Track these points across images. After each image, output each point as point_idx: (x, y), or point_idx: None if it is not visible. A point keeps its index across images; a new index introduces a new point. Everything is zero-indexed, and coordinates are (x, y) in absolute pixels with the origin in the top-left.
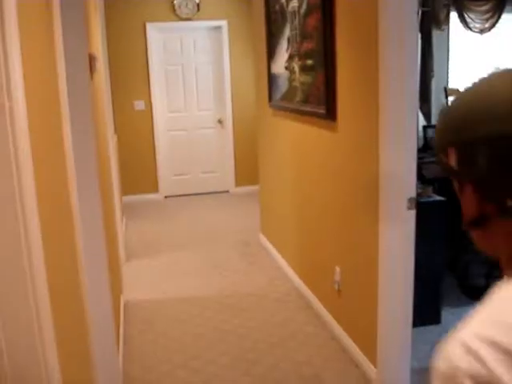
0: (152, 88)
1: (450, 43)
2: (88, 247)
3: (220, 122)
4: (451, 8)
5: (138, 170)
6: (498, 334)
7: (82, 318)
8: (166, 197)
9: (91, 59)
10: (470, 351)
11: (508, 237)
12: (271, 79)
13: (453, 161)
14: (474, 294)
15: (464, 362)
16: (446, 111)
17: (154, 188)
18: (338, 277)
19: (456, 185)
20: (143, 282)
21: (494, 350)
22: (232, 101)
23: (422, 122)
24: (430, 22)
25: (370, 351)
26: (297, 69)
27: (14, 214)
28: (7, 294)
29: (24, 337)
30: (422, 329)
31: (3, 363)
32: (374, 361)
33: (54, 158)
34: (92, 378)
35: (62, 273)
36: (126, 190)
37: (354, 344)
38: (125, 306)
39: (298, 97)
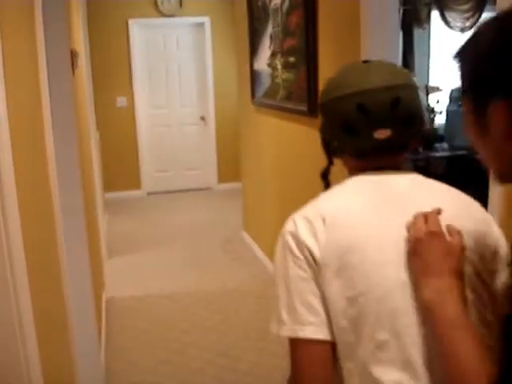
0: (134, 84)
1: (431, 41)
2: (69, 243)
3: (202, 118)
4: (432, 7)
5: (121, 167)
6: (309, 211)
7: (63, 315)
8: (148, 193)
9: (73, 55)
10: (293, 220)
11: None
12: (254, 76)
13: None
14: None
15: (288, 226)
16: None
17: (137, 185)
18: None
19: None
20: (126, 278)
21: (303, 220)
22: (215, 97)
23: None
24: (412, 20)
25: None
26: (279, 66)
27: None
28: None
29: (4, 335)
30: None
31: None
32: None
33: (34, 154)
34: (74, 373)
35: (43, 269)
36: (108, 186)
37: None
38: (107, 302)
39: (281, 94)
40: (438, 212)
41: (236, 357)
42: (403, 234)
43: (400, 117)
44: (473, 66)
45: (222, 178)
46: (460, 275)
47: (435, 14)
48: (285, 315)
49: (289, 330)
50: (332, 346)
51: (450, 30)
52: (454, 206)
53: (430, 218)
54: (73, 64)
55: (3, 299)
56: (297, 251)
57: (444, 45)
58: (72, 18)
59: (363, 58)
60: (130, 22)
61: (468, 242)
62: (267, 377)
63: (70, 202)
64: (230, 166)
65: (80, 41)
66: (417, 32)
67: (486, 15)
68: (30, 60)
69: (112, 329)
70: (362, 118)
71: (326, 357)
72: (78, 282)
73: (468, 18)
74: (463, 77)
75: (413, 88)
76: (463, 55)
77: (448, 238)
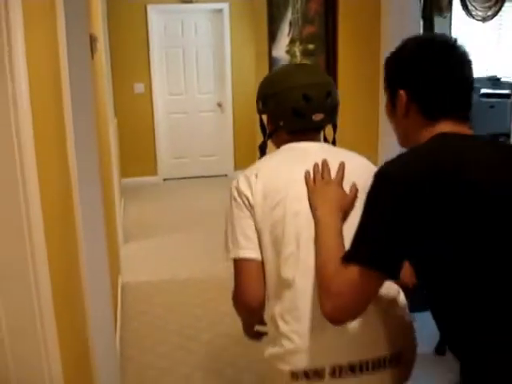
0: (152, 71)
1: (451, 30)
2: (87, 228)
3: (220, 105)
4: None
5: (137, 153)
6: (248, 171)
7: (80, 299)
8: (164, 179)
9: (92, 40)
10: (237, 179)
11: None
12: (272, 63)
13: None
14: None
15: (233, 182)
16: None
17: (153, 171)
18: None
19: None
20: (141, 264)
21: (243, 177)
22: (232, 84)
23: None
24: (433, 8)
25: None
26: (298, 53)
27: (16, 194)
28: (8, 274)
29: (25, 319)
30: (418, 314)
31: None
32: None
33: (55, 140)
34: (89, 356)
35: (61, 253)
36: (125, 172)
37: None
38: (123, 287)
39: None
40: (327, 164)
41: (250, 343)
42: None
43: (329, 105)
44: (392, 68)
45: (239, 165)
46: (342, 210)
47: (456, 3)
48: (230, 245)
49: (233, 254)
50: (262, 264)
51: (471, 19)
52: (350, 164)
53: (324, 168)
54: (92, 48)
55: (24, 283)
56: (238, 199)
57: (465, 33)
58: (91, 3)
59: (383, 46)
60: (149, 7)
61: (360, 191)
62: None
63: (88, 187)
64: (246, 153)
65: (99, 26)
66: (437, 20)
67: (508, 4)
68: (51, 44)
69: (127, 314)
70: (306, 105)
71: (259, 271)
72: (95, 267)
73: (490, 7)
74: (386, 75)
75: (335, 85)
76: (388, 61)
77: (337, 185)
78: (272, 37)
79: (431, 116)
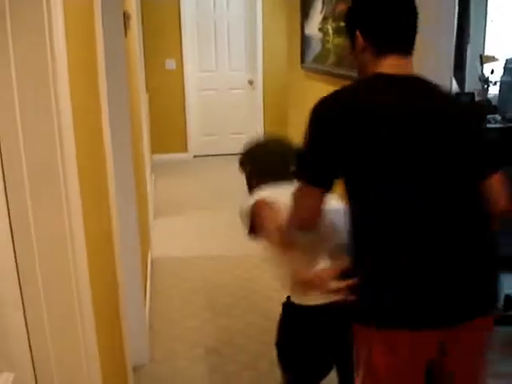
0: (183, 47)
1: (488, 9)
2: (120, 202)
3: (250, 82)
4: None
5: (168, 129)
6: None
7: (113, 272)
8: (194, 156)
9: (125, 17)
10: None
11: None
12: (304, 40)
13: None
14: (501, 264)
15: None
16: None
17: (184, 147)
18: None
19: None
20: (171, 239)
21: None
22: (263, 61)
23: (455, 88)
24: None
25: None
26: (331, 31)
27: (55, 168)
28: (49, 247)
29: (63, 292)
30: None
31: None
32: None
33: (90, 115)
34: (120, 328)
35: (95, 227)
36: (155, 148)
37: None
38: (152, 262)
39: (331, 59)
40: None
41: (277, 319)
42: None
43: None
44: (350, 14)
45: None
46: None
47: None
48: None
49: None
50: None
51: None
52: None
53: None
54: (125, 26)
55: (63, 257)
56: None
57: (501, 14)
58: None
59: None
60: None
61: None
62: None
63: (121, 162)
64: (276, 131)
65: (132, 2)
66: (473, 0)
67: None
68: (88, 21)
69: (156, 288)
70: None
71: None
72: (126, 241)
73: None
74: (346, 21)
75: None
76: (348, 9)
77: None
78: (304, 14)
79: (379, 52)
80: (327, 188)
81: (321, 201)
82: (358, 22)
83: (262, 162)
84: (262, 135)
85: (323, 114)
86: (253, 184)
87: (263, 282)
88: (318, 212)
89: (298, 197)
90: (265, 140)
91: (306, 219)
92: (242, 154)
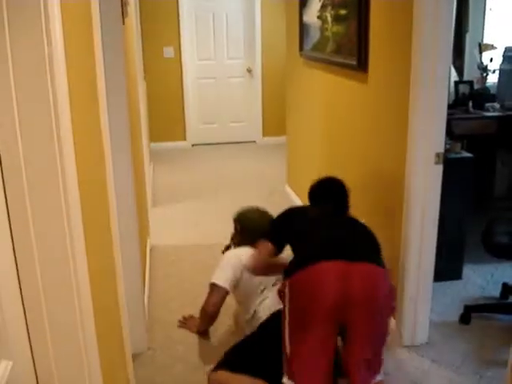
0: (182, 35)
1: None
2: (118, 190)
3: (249, 70)
4: None
5: (166, 118)
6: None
7: (111, 260)
8: (193, 145)
9: (123, 4)
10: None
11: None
12: (303, 28)
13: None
14: (497, 251)
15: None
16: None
17: (182, 136)
18: None
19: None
20: (169, 227)
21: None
22: (262, 49)
23: (454, 77)
24: None
25: None
26: (329, 18)
27: (53, 157)
28: (46, 235)
29: (62, 282)
30: (442, 284)
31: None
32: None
33: (88, 102)
34: (119, 316)
35: (94, 213)
36: (154, 137)
37: None
38: (151, 250)
39: (330, 47)
40: None
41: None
42: None
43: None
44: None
45: (267, 131)
46: None
47: None
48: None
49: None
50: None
51: None
52: None
53: None
54: (123, 13)
55: (60, 245)
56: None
57: (500, 2)
58: None
59: (416, 12)
60: None
61: None
62: None
63: (119, 150)
64: (275, 119)
65: None
66: None
67: None
68: (84, 8)
69: (155, 276)
70: None
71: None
72: (125, 230)
73: None
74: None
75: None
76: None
77: None
78: (303, 1)
79: None
80: (277, 246)
81: (271, 251)
82: None
83: (248, 226)
84: (255, 207)
85: (282, 215)
86: (235, 237)
87: None
88: (269, 255)
89: (260, 244)
90: (257, 210)
91: (261, 259)
92: (238, 214)
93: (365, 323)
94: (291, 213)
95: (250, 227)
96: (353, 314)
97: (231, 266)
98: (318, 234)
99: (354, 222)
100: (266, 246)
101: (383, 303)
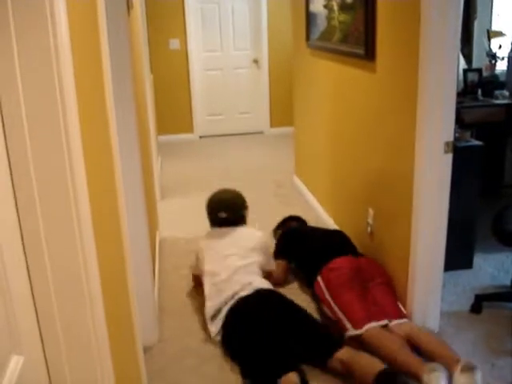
0: (187, 26)
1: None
2: (126, 184)
3: (256, 61)
4: None
5: (173, 110)
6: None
7: (121, 254)
8: (200, 137)
9: None
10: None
11: None
12: (309, 18)
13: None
14: (508, 239)
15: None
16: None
17: (189, 128)
18: (370, 219)
19: None
20: (178, 220)
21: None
22: (268, 40)
23: (462, 64)
24: None
25: (401, 293)
26: (336, 7)
27: (60, 153)
28: (55, 229)
29: (72, 276)
30: (453, 273)
31: (49, 286)
32: (403, 302)
33: (94, 95)
34: (130, 308)
35: (102, 204)
36: (161, 129)
37: None
38: (160, 242)
39: (337, 36)
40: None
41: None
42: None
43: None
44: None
45: (274, 122)
46: None
47: None
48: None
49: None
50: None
51: None
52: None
53: None
54: (128, 5)
55: (70, 239)
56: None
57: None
58: None
59: (423, 2)
60: None
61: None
62: None
63: (126, 143)
64: (282, 110)
65: None
66: None
67: None
68: (90, 0)
69: (164, 268)
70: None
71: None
72: (134, 222)
73: None
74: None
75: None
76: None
77: None
78: None
79: None
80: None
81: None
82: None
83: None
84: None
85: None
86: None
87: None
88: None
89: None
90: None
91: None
92: (210, 199)
93: (378, 285)
94: (288, 233)
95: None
96: (369, 285)
97: (196, 258)
98: (316, 240)
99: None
100: (283, 265)
101: (383, 273)
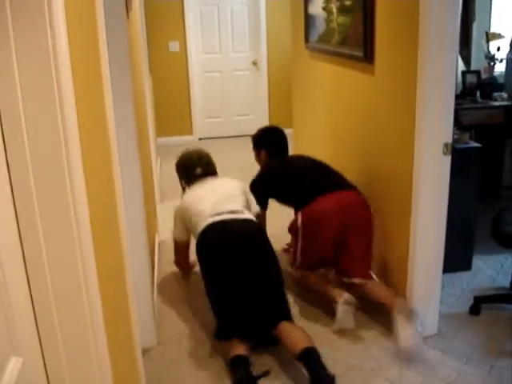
0: (187, 29)
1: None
2: (126, 186)
3: (255, 63)
4: None
5: (173, 112)
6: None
7: (119, 256)
8: (200, 139)
9: None
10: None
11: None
12: (308, 20)
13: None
14: (507, 241)
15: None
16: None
17: (188, 130)
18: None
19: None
20: None
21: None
22: (267, 42)
23: (461, 67)
24: None
25: (400, 294)
26: (334, 9)
27: (59, 155)
28: (54, 232)
29: (70, 277)
30: (452, 275)
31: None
32: None
33: (93, 97)
34: (129, 311)
35: (101, 206)
36: (160, 131)
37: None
38: (159, 245)
39: (335, 39)
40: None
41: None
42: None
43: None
44: (258, 139)
45: (274, 123)
46: None
47: None
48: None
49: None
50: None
51: None
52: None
53: None
54: (127, 7)
55: (69, 243)
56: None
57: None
58: None
59: (422, 2)
60: None
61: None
62: (314, 318)
63: (126, 146)
64: (281, 112)
65: None
66: None
67: None
68: (88, 2)
69: (163, 271)
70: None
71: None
72: (133, 225)
73: None
74: (255, 142)
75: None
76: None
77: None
78: None
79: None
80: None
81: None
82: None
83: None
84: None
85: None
86: (182, 184)
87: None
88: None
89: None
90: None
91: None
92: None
93: (358, 235)
94: (269, 175)
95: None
96: (350, 232)
97: (179, 219)
98: (305, 176)
99: (314, 159)
100: (263, 216)
101: (367, 218)
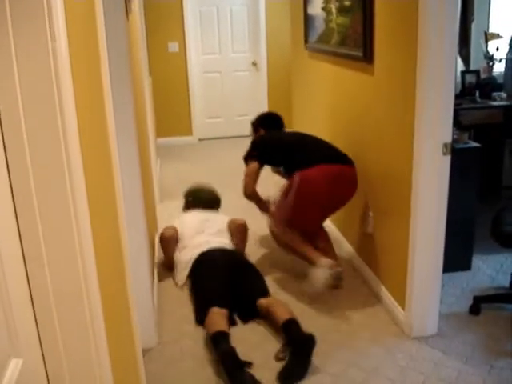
0: (186, 30)
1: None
2: (125, 187)
3: (254, 64)
4: None
5: (172, 113)
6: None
7: (119, 255)
8: (199, 139)
9: (127, 0)
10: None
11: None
12: (308, 20)
13: None
14: (506, 241)
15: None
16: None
17: (188, 130)
18: (370, 222)
19: None
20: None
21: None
22: (267, 43)
23: (460, 66)
24: None
25: (400, 294)
26: (334, 10)
27: (59, 157)
28: (54, 230)
29: (70, 271)
30: (452, 274)
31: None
32: (402, 304)
33: (93, 99)
34: (129, 309)
35: (101, 207)
36: (160, 132)
37: (384, 287)
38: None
39: (335, 39)
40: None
41: (276, 293)
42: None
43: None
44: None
45: None
46: None
47: None
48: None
49: None
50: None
51: None
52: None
53: None
54: (126, 8)
55: (69, 242)
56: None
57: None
58: None
59: (421, 2)
60: None
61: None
62: (315, 325)
63: (125, 146)
64: (281, 112)
65: None
66: None
67: None
68: (88, 3)
69: (163, 271)
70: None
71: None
72: (133, 225)
73: None
74: (255, 124)
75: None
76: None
77: None
78: None
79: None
80: (261, 163)
81: (257, 169)
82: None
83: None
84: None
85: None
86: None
87: (266, 260)
88: (256, 173)
89: (248, 167)
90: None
91: (250, 182)
92: (188, 190)
93: (343, 204)
94: (271, 135)
95: (194, 195)
96: (336, 203)
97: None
98: (310, 143)
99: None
100: (253, 166)
101: (350, 196)
